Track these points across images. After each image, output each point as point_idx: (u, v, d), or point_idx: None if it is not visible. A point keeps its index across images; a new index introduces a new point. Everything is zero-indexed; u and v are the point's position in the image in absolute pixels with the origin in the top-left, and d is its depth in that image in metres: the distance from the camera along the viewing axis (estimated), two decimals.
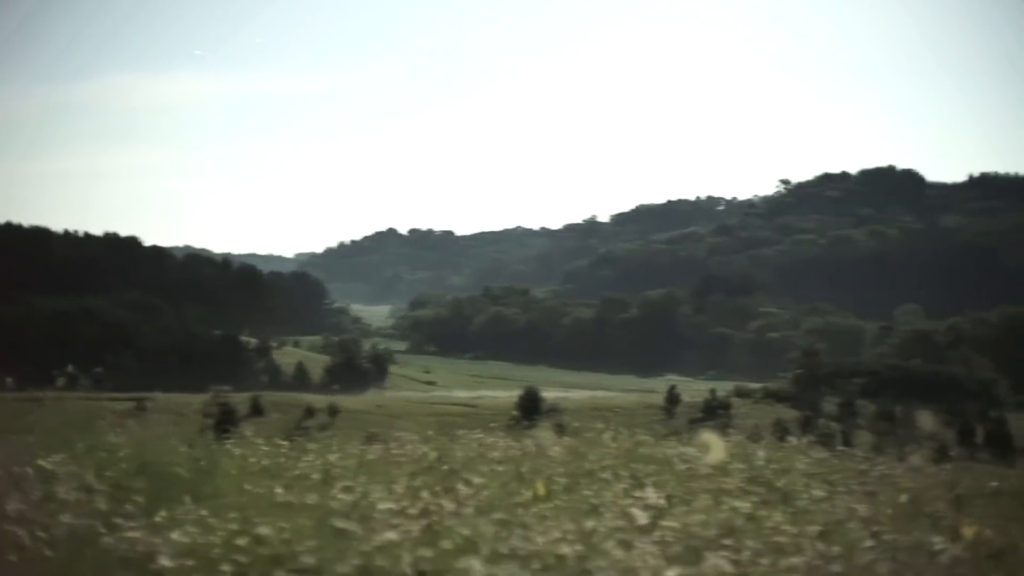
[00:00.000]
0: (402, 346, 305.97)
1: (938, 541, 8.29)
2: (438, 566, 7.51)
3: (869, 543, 8.42)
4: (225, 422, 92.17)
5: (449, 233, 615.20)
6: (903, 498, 11.63)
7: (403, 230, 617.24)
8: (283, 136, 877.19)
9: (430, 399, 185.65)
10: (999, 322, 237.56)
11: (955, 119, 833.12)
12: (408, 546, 7.75)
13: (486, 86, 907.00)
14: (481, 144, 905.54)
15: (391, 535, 7.91)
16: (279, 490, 10.27)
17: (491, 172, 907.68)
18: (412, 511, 8.77)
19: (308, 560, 7.66)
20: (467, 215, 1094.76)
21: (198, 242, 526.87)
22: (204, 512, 8.84)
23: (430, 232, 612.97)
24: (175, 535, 8.17)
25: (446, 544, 7.80)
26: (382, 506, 8.91)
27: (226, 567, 7.67)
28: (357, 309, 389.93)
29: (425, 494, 9.66)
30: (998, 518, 11.11)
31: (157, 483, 10.61)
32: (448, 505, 9.10)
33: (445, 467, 12.82)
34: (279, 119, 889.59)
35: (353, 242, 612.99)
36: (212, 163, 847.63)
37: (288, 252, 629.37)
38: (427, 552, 7.65)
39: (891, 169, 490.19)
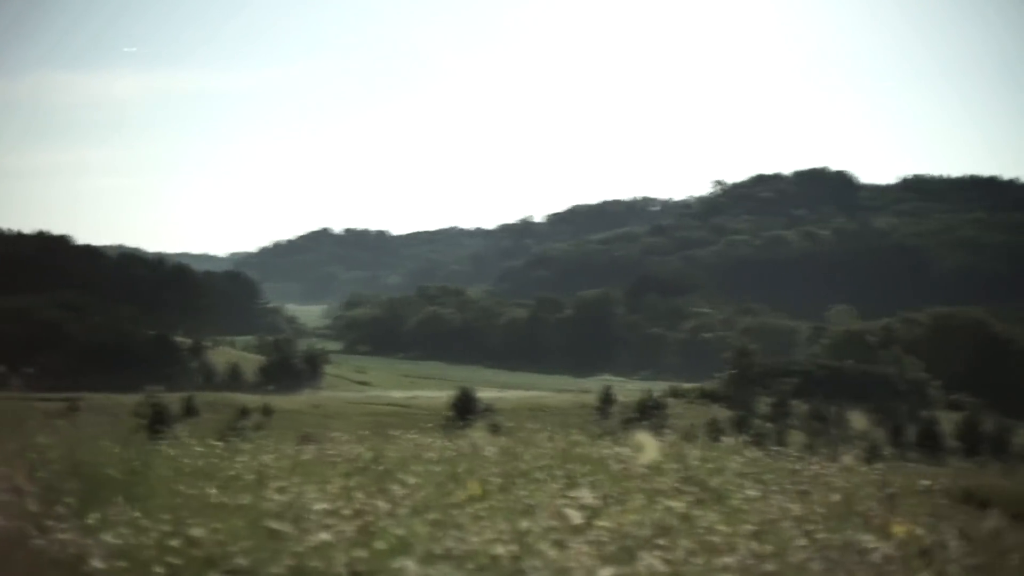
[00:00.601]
0: (337, 346, 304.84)
1: (869, 540, 8.36)
2: (372, 567, 7.49)
3: (802, 542, 8.47)
4: (158, 423, 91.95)
5: (384, 233, 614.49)
6: (835, 497, 11.73)
7: (338, 229, 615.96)
8: (216, 134, 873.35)
9: (365, 399, 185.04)
10: (929, 322, 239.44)
11: (887, 121, 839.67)
12: (342, 547, 7.73)
13: (421, 85, 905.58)
14: (416, 143, 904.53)
15: (325, 536, 7.89)
16: (212, 491, 10.23)
17: (426, 172, 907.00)
18: (346, 512, 8.75)
19: (241, 561, 7.62)
20: (402, 215, 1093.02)
21: (131, 241, 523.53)
22: (137, 513, 8.79)
23: (365, 232, 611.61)
24: (107, 537, 8.11)
25: (380, 545, 7.78)
26: (316, 507, 8.88)
27: (159, 569, 7.63)
28: (291, 309, 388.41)
29: (359, 495, 9.65)
30: (928, 516, 11.22)
31: (89, 484, 10.53)
32: (382, 505, 9.08)
33: (379, 467, 12.82)
34: (212, 117, 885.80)
35: (288, 241, 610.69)
36: (145, 161, 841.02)
37: (222, 252, 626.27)
38: (361, 553, 7.63)
39: (824, 171, 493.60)
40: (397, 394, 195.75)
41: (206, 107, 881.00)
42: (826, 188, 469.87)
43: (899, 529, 8.96)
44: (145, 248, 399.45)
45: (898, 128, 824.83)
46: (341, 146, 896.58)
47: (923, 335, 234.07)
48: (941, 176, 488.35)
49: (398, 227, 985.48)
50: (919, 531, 8.84)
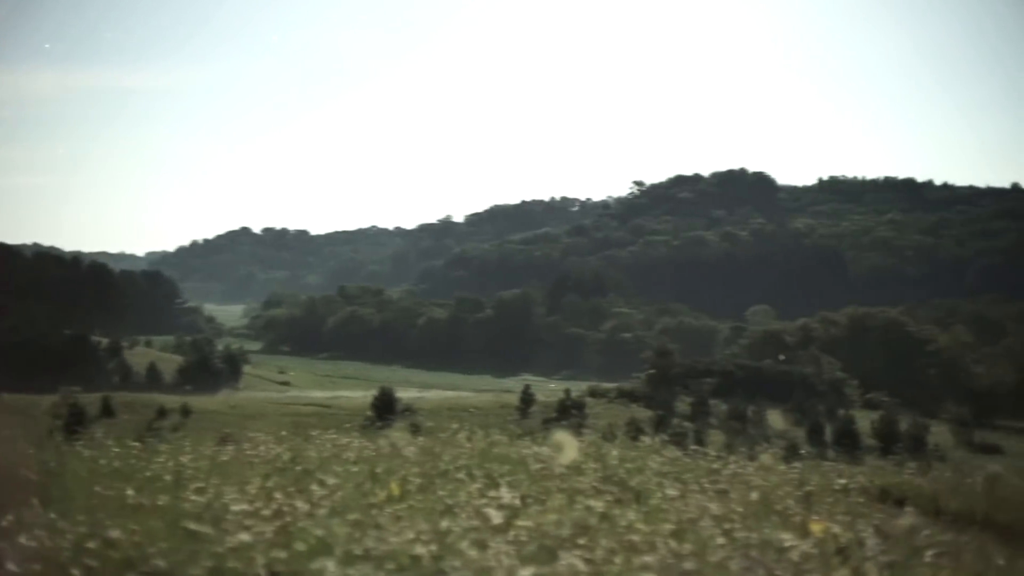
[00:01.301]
0: (256, 346, 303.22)
1: (788, 538, 8.41)
2: (292, 567, 7.46)
3: (721, 540, 8.52)
4: (74, 423, 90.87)
5: (304, 232, 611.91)
6: (754, 496, 11.81)
7: (257, 229, 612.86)
8: (135, 133, 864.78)
9: (284, 399, 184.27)
10: (846, 322, 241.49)
11: (805, 123, 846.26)
12: (261, 548, 7.69)
13: (341, 85, 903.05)
14: (336, 143, 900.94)
15: (244, 537, 7.85)
16: (130, 492, 10.14)
17: (346, 171, 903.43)
18: (265, 512, 8.71)
19: (160, 563, 7.57)
20: (322, 214, 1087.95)
21: (47, 240, 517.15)
22: (53, 515, 8.69)
23: (284, 231, 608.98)
24: (23, 539, 8.02)
25: (300, 545, 7.75)
26: (235, 507, 8.83)
27: (76, 571, 7.55)
28: (210, 308, 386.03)
29: (278, 495, 9.61)
30: (845, 514, 11.32)
31: (4, 486, 10.42)
32: (302, 506, 9.05)
33: (299, 468, 12.77)
34: (131, 115, 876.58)
35: (206, 241, 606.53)
36: (62, 159, 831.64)
37: (140, 251, 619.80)
38: (280, 554, 7.59)
39: (743, 172, 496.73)
40: (317, 394, 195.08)
41: (123, 105, 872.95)
42: (745, 189, 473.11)
43: (817, 527, 9.03)
44: (61, 247, 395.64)
45: (816, 130, 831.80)
46: (260, 145, 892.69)
47: (840, 335, 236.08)
48: (858, 178, 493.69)
49: (318, 226, 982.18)
50: (836, 529, 8.92)
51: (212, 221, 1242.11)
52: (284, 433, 17.75)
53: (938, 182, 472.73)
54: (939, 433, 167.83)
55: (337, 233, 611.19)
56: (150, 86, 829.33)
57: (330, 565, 7.29)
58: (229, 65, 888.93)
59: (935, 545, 8.71)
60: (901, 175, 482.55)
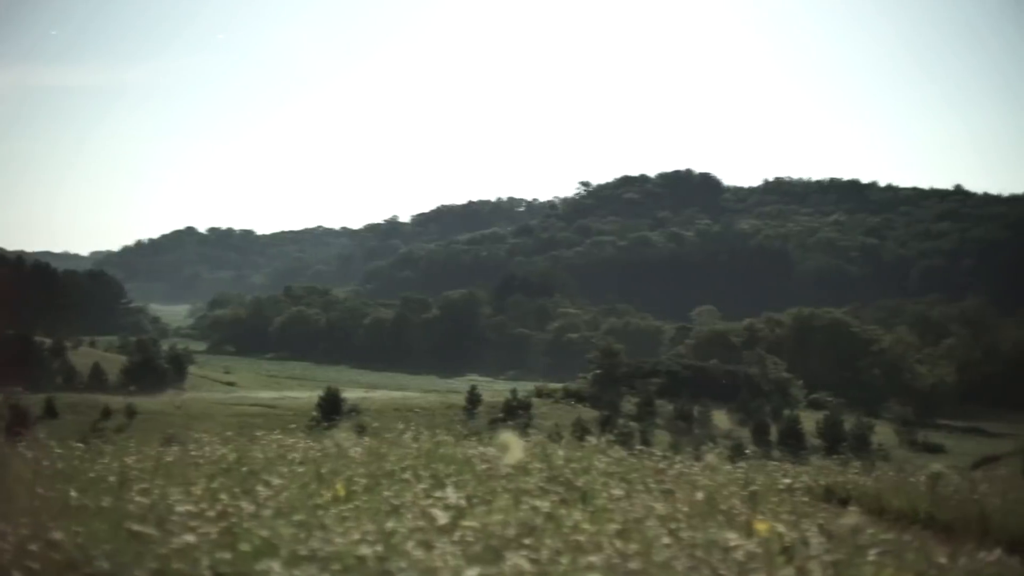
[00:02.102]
0: (201, 346, 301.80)
1: (733, 537, 8.44)
2: (237, 569, 7.43)
3: (666, 540, 8.54)
4: (17, 424, 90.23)
5: (249, 232, 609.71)
6: (699, 496, 11.85)
7: (202, 228, 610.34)
8: (78, 131, 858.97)
9: (230, 400, 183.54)
10: (791, 323, 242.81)
11: (751, 124, 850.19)
12: (206, 549, 7.66)
13: (288, 85, 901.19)
14: (281, 143, 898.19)
15: (189, 538, 7.81)
16: (73, 494, 10.07)
17: (292, 171, 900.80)
18: (210, 513, 8.66)
19: (103, 565, 7.52)
20: (268, 214, 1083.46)
21: None
22: None
23: (230, 231, 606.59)
24: None
25: (245, 547, 7.72)
26: (180, 509, 8.77)
27: (18, 573, 7.49)
28: (155, 309, 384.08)
29: (224, 496, 9.57)
30: (790, 514, 11.38)
31: None
32: (247, 507, 9.00)
33: (244, 469, 12.72)
34: (73, 113, 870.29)
35: (151, 240, 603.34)
36: (3, 158, 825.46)
37: (84, 250, 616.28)
38: (225, 555, 7.56)
39: (689, 173, 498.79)
40: (263, 394, 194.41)
41: (66, 104, 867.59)
42: (691, 190, 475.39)
43: (761, 527, 9.06)
44: (4, 247, 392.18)
45: (761, 132, 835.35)
46: (205, 145, 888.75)
47: (785, 335, 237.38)
48: (803, 179, 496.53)
49: (264, 226, 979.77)
50: (781, 528, 8.95)
51: (157, 221, 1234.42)
52: (229, 434, 17.68)
53: (882, 184, 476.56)
54: (883, 433, 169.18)
55: (283, 233, 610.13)
56: (94, 84, 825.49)
57: (275, 566, 7.26)
58: (175, 64, 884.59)
59: (878, 544, 8.76)
60: (846, 176, 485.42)
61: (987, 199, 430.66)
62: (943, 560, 8.81)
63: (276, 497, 9.88)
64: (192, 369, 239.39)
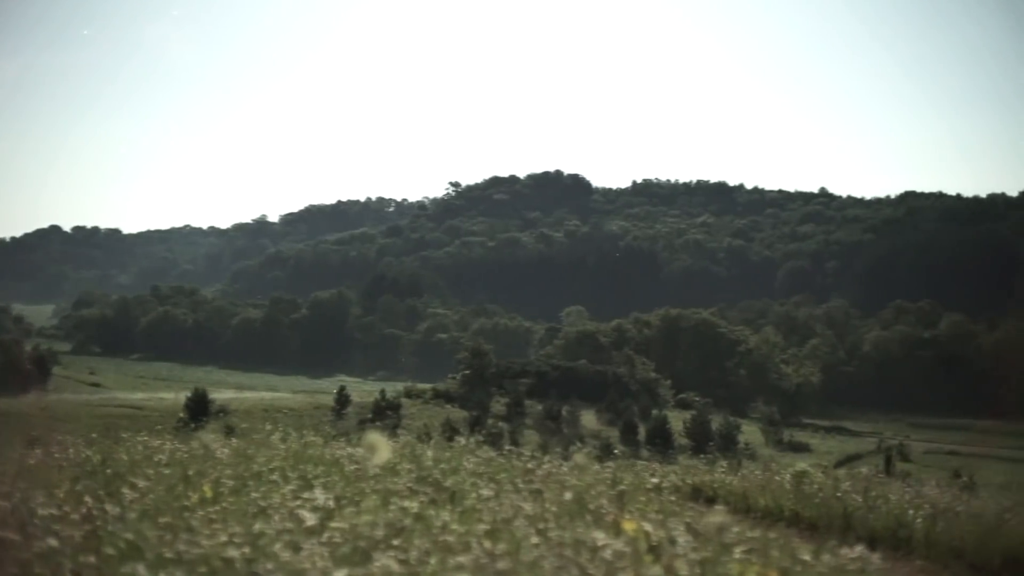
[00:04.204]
0: (66, 347, 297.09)
1: (601, 537, 8.48)
2: (101, 572, 7.34)
3: (535, 540, 8.56)
4: None
5: (116, 231, 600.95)
6: (568, 495, 11.91)
7: (67, 227, 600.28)
8: None
9: (95, 401, 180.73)
10: (660, 323, 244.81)
11: (619, 126, 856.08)
12: (69, 553, 7.55)
13: (154, 81, 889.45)
14: (146, 139, 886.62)
15: (52, 542, 7.69)
16: None
17: (159, 169, 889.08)
18: (74, 516, 8.55)
19: None
20: (134, 213, 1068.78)
21: None
22: None
23: (96, 230, 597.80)
24: None
25: (109, 550, 7.63)
26: (42, 512, 8.64)
27: None
28: (19, 308, 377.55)
29: (88, 499, 9.44)
30: (658, 513, 11.47)
31: None
32: (112, 510, 8.90)
33: (109, 471, 12.57)
34: None
35: (13, 239, 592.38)
36: None
37: None
38: (90, 558, 7.46)
39: (559, 174, 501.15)
40: (129, 396, 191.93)
41: None
42: (560, 191, 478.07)
43: (629, 526, 9.11)
44: None
45: (630, 134, 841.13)
46: (71, 141, 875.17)
47: (653, 336, 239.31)
48: (670, 181, 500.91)
49: (130, 225, 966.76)
50: (648, 527, 9.01)
51: (19, 219, 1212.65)
52: (94, 435, 17.51)
53: (749, 186, 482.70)
54: (749, 432, 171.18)
55: (150, 232, 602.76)
56: None
57: (140, 569, 7.18)
58: (39, 59, 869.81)
59: (744, 541, 8.85)
60: (713, 179, 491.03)
61: (851, 202, 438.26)
62: (807, 557, 8.93)
63: (142, 499, 9.77)
64: (56, 370, 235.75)
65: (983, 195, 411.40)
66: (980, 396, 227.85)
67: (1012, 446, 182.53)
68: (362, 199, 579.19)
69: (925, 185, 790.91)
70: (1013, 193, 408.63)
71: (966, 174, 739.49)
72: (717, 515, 9.15)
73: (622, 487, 13.74)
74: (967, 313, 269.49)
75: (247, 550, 7.59)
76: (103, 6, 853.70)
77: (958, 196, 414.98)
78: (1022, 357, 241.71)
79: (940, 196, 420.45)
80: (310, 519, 8.57)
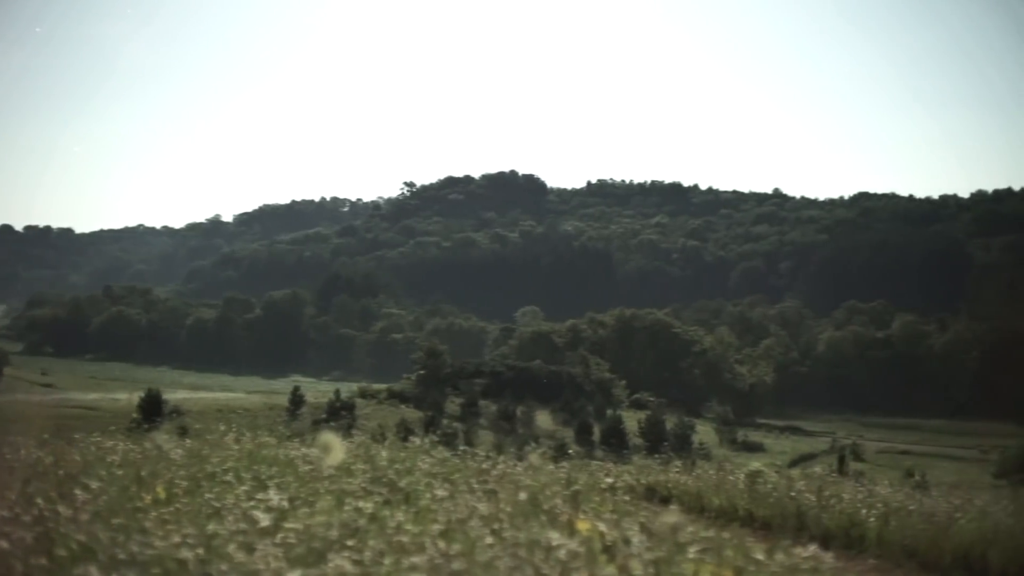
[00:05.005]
0: (18, 347, 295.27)
1: (555, 537, 8.49)
2: (53, 574, 7.30)
3: (489, 540, 8.57)
4: None
5: (68, 230, 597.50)
6: (522, 496, 11.91)
7: (19, 227, 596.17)
8: None
9: (47, 402, 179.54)
10: (614, 323, 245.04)
11: (574, 127, 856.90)
12: (21, 554, 7.51)
13: (106, 80, 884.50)
14: (100, 138, 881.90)
15: (2, 544, 7.65)
16: None
17: (112, 168, 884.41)
18: (26, 518, 8.50)
19: None
20: (87, 212, 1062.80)
21: None
22: None
23: (48, 229, 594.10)
24: None
25: (61, 551, 7.59)
26: None
27: None
28: None
29: (39, 500, 9.38)
30: (612, 513, 11.49)
31: None
32: (64, 511, 8.84)
33: (61, 472, 12.49)
34: None
35: None
36: None
37: None
38: (41, 560, 7.42)
39: (513, 174, 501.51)
40: (82, 396, 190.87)
41: None
42: (515, 191, 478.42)
43: (583, 526, 9.13)
44: None
45: (584, 134, 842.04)
46: (21, 139, 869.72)
47: (608, 336, 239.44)
48: (625, 181, 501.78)
49: (83, 224, 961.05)
50: (603, 527, 9.03)
51: None
52: (47, 436, 17.39)
53: (703, 187, 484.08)
54: (704, 432, 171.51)
55: (103, 232, 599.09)
56: None
57: (93, 571, 7.15)
58: None
59: (698, 541, 8.87)
60: (668, 179, 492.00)
61: (804, 203, 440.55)
62: (761, 556, 8.96)
63: (94, 500, 9.72)
64: (8, 370, 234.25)
65: (935, 196, 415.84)
66: (932, 396, 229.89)
67: (963, 445, 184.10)
68: (316, 199, 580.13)
69: (878, 186, 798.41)
70: (965, 195, 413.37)
71: (919, 175, 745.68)
72: (671, 515, 9.17)
73: (576, 487, 13.76)
74: (919, 313, 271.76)
75: (201, 551, 7.57)
76: (58, 4, 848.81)
77: (911, 197, 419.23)
78: (973, 357, 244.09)
79: (893, 197, 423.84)
80: (264, 520, 8.55)
